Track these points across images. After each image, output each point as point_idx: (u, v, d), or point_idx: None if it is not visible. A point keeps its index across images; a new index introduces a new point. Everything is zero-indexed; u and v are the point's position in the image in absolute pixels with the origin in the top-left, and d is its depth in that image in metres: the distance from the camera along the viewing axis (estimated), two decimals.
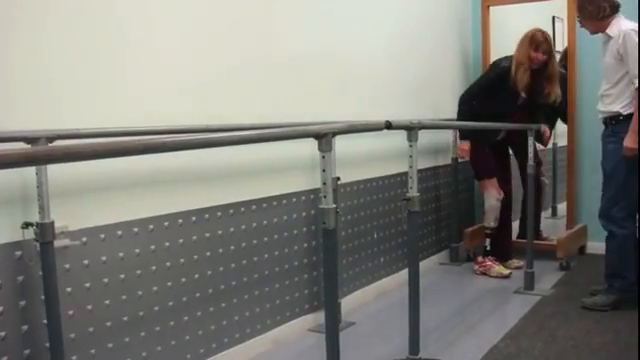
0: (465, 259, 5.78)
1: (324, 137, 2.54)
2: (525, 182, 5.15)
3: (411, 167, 3.20)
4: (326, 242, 2.60)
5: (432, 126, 3.51)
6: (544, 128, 5.40)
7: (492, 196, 5.37)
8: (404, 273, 4.79)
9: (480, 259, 5.44)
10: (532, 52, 5.02)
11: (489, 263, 5.39)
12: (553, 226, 6.94)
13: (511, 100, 5.19)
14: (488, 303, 4.69)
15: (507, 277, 5.26)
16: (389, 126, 3.00)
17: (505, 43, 5.29)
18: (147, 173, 3.13)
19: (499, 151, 5.53)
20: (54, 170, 2.59)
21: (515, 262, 5.50)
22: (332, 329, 2.70)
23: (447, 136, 5.77)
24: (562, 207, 7.25)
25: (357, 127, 2.97)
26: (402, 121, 3.16)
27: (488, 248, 5.46)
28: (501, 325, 4.15)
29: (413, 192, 3.22)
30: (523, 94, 5.13)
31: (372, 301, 4.73)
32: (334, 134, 2.62)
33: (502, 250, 5.52)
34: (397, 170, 4.96)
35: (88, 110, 2.86)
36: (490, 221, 5.41)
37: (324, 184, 2.54)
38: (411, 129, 3.19)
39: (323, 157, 2.55)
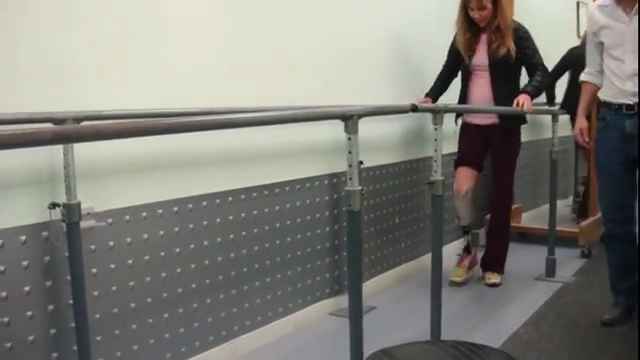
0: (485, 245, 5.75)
1: (350, 119, 2.54)
2: (496, 180, 4.84)
3: (436, 150, 3.19)
4: (351, 224, 2.61)
5: (457, 109, 3.50)
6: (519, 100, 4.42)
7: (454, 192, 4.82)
8: (425, 258, 4.85)
9: (461, 256, 4.97)
10: (469, 13, 4.48)
11: (470, 259, 4.93)
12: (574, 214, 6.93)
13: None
14: (508, 290, 4.68)
15: (456, 284, 4.74)
16: (414, 109, 3.00)
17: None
18: (171, 155, 3.14)
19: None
20: (81, 152, 2.61)
21: (492, 277, 4.81)
22: (356, 312, 2.70)
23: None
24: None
25: (383, 109, 2.98)
26: (427, 104, 3.15)
27: (465, 244, 5.00)
28: (522, 312, 4.14)
29: (437, 176, 3.22)
30: (467, 59, 4.58)
31: (393, 286, 4.73)
32: (360, 116, 2.62)
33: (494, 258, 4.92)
34: (419, 155, 4.95)
35: (112, 93, 2.87)
36: (462, 220, 4.94)
37: (350, 166, 2.55)
38: (436, 112, 3.18)
39: (349, 139, 2.56)
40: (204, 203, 3.31)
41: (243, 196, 3.52)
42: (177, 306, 3.21)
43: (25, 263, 2.60)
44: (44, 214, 2.64)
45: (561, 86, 6.57)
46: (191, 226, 3.25)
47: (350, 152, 2.55)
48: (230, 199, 3.45)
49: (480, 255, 5.03)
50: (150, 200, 3.07)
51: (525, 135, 6.25)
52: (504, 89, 4.51)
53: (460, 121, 4.79)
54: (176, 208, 3.18)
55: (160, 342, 3.14)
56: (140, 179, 3.03)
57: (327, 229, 4.13)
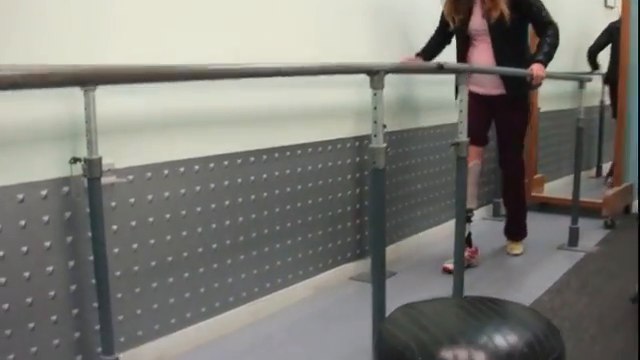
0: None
1: (376, 74, 2.50)
2: (506, 153, 4.54)
3: (461, 111, 3.15)
4: (375, 182, 2.58)
5: (482, 70, 3.44)
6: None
7: None
8: (446, 226, 4.82)
9: None
10: None
11: (468, 252, 4.36)
12: (596, 185, 6.86)
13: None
14: (531, 258, 4.63)
15: (449, 271, 4.06)
16: (440, 68, 2.95)
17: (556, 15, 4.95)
18: (193, 113, 3.11)
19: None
20: (102, 107, 2.57)
21: (514, 247, 4.74)
22: (378, 271, 2.68)
23: None
24: (606, 167, 7.17)
25: (409, 67, 2.93)
26: (453, 64, 3.09)
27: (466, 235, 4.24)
28: (544, 279, 4.10)
29: (463, 137, 3.17)
30: (452, 25, 4.28)
31: (414, 252, 4.69)
32: (386, 72, 2.57)
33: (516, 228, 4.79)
34: (444, 121, 4.88)
35: (128, 50, 2.83)
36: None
37: (375, 122, 2.51)
38: (461, 72, 3.13)
39: (375, 94, 2.52)
40: (225, 163, 3.28)
41: (265, 157, 3.49)
42: (197, 266, 3.19)
43: (46, 218, 2.59)
44: (65, 169, 2.61)
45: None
46: (212, 186, 3.23)
47: (375, 108, 2.51)
48: (252, 159, 3.41)
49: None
50: (171, 158, 3.04)
51: (549, 105, 6.23)
52: (509, 54, 4.20)
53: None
54: (197, 167, 3.15)
55: (180, 301, 3.13)
56: (162, 137, 3.00)
57: (349, 192, 4.09)
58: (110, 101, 2.68)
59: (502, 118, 4.44)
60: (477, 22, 4.24)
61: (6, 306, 2.47)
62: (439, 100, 4.79)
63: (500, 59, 4.19)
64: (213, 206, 3.24)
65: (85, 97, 2.52)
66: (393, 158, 4.48)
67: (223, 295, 3.34)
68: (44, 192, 2.57)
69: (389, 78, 2.66)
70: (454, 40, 4.42)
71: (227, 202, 3.31)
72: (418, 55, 4.33)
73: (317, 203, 3.86)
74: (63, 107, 2.61)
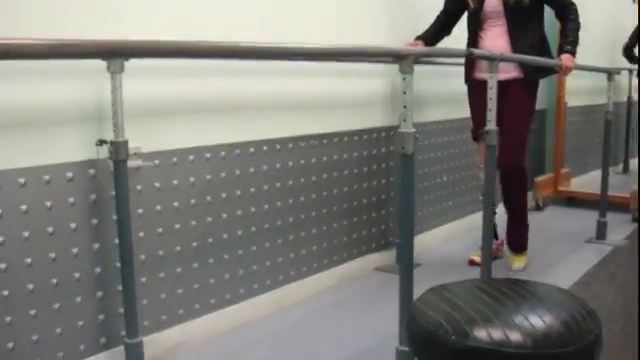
0: (534, 208, 5.65)
1: (406, 59, 2.46)
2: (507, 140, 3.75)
3: (490, 99, 3.10)
4: (403, 168, 2.54)
5: (513, 59, 3.39)
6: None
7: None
8: (471, 218, 4.78)
9: None
10: None
11: (495, 244, 4.17)
12: (624, 182, 6.78)
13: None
14: (559, 250, 4.57)
15: (475, 264, 4.05)
16: (470, 54, 2.91)
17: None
18: (220, 99, 3.10)
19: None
20: (129, 91, 2.56)
21: (515, 260, 4.25)
22: (406, 256, 2.64)
23: None
24: (633, 163, 7.10)
25: (439, 52, 2.89)
26: (484, 51, 3.05)
27: None
28: (572, 272, 4.04)
29: (491, 125, 3.13)
30: (472, 4, 3.92)
31: (439, 244, 4.65)
32: (416, 56, 2.54)
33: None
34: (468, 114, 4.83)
35: (160, 31, 2.81)
36: None
37: (404, 107, 2.47)
38: (492, 60, 3.08)
39: (404, 79, 2.48)
40: (251, 150, 3.26)
41: (291, 145, 3.46)
42: (222, 252, 3.17)
43: (71, 200, 2.58)
44: (91, 151, 2.60)
45: None
46: (238, 172, 3.21)
47: (405, 93, 2.47)
48: (278, 147, 3.39)
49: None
50: (197, 144, 3.02)
51: (576, 100, 6.17)
52: (526, 39, 3.84)
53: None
54: (223, 153, 3.13)
55: (204, 287, 3.11)
56: (188, 121, 2.98)
57: (374, 183, 4.06)
58: (137, 85, 2.66)
59: (510, 103, 3.85)
60: (492, 3, 3.87)
61: (31, 287, 2.46)
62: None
63: (517, 44, 3.82)
64: (238, 193, 3.22)
65: (112, 80, 2.50)
66: (419, 149, 4.43)
67: (247, 282, 3.31)
68: (70, 174, 2.56)
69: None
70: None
71: (252, 189, 3.28)
72: (418, 38, 3.94)
73: (342, 192, 3.83)
74: (90, 89, 2.60)
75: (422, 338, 1.57)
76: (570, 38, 3.90)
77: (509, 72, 3.86)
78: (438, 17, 4.07)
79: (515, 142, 3.91)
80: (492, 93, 3.10)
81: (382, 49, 2.76)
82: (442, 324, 1.53)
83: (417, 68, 2.57)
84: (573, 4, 3.94)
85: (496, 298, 1.64)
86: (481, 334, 1.48)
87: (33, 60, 1.46)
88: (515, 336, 1.46)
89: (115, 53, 1.64)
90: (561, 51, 3.91)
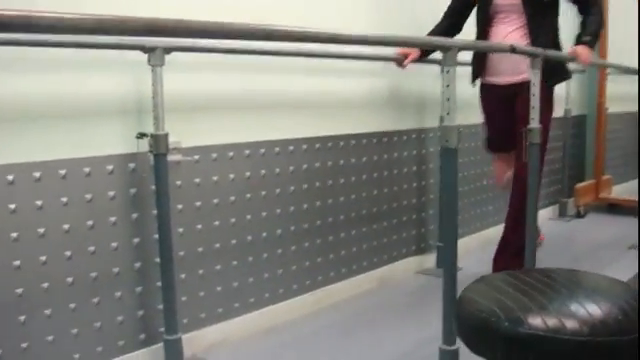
0: (575, 215, 5.56)
1: (449, 51, 2.42)
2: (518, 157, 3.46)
3: (534, 95, 3.04)
4: (446, 162, 2.50)
5: (555, 56, 3.30)
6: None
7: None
8: None
9: None
10: None
11: None
12: None
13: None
14: (601, 258, 4.48)
15: None
16: (513, 50, 2.85)
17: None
18: (260, 97, 3.07)
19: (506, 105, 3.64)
20: (169, 86, 2.55)
21: None
22: (450, 255, 2.58)
23: (558, 86, 5.47)
24: None
25: (481, 46, 2.84)
26: (524, 47, 2.99)
27: None
28: (616, 277, 3.94)
29: (535, 123, 3.07)
30: None
31: (478, 249, 4.57)
32: (459, 49, 2.49)
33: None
34: None
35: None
36: None
37: (447, 100, 2.43)
38: (535, 56, 3.02)
39: (447, 72, 2.43)
40: (291, 148, 3.23)
41: (330, 144, 3.43)
42: (261, 251, 3.14)
43: (111, 193, 2.56)
44: (131, 145, 2.59)
45: None
46: (277, 170, 3.18)
47: (448, 86, 2.42)
48: (317, 146, 3.36)
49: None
50: (237, 140, 3.00)
51: (617, 106, 6.06)
52: (546, 37, 3.45)
53: (479, 81, 3.72)
54: (263, 150, 3.10)
55: (244, 286, 3.08)
56: (228, 117, 2.96)
57: (414, 185, 4.01)
58: (177, 79, 2.65)
59: (523, 110, 3.30)
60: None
61: (70, 279, 2.45)
62: None
63: (536, 41, 3.40)
64: (277, 191, 3.19)
65: (153, 72, 2.51)
66: (460, 152, 4.37)
67: (286, 282, 3.28)
68: (110, 167, 2.55)
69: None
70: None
71: (292, 188, 3.25)
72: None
73: (382, 194, 3.78)
74: (131, 83, 2.60)
75: (472, 326, 1.52)
76: (590, 29, 3.49)
77: (519, 74, 3.49)
78: (445, 15, 3.69)
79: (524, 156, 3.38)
80: (535, 89, 3.03)
81: (426, 40, 2.72)
82: (494, 311, 1.48)
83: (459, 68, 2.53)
84: (598, 1, 3.60)
85: (548, 286, 1.58)
86: (535, 321, 1.42)
87: (79, 35, 1.44)
88: (571, 323, 1.41)
89: (159, 31, 1.62)
90: (578, 42, 3.47)
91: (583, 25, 3.54)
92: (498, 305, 1.50)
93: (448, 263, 2.61)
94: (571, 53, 3.44)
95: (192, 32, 1.75)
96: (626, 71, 5.35)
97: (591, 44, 3.47)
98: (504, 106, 3.60)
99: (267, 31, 2.01)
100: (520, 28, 3.48)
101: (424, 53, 3.53)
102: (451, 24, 3.63)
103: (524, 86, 3.33)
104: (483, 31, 3.55)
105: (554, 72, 3.49)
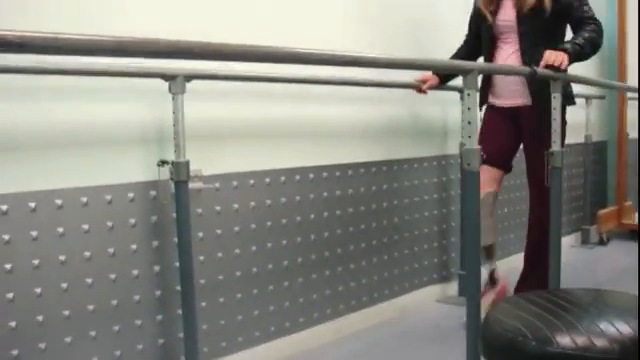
0: (598, 242, 5.50)
1: (469, 73, 2.41)
2: (534, 179, 3.46)
3: (554, 119, 3.02)
4: (468, 186, 2.48)
5: (574, 80, 3.27)
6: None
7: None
8: None
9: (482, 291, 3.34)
10: None
11: (495, 293, 3.58)
12: None
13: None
14: (625, 285, 4.40)
15: None
16: (534, 73, 2.84)
17: None
18: (280, 124, 3.08)
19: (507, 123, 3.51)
20: (189, 114, 2.55)
21: None
22: (474, 282, 2.55)
23: (579, 112, 5.44)
24: None
25: (502, 69, 2.83)
26: (546, 71, 2.98)
27: (488, 273, 3.56)
28: None
29: (556, 146, 3.05)
30: (490, 19, 3.40)
31: (504, 276, 4.53)
32: (479, 72, 2.49)
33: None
34: None
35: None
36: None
37: (469, 123, 2.41)
38: (555, 79, 3.01)
39: (468, 95, 2.42)
40: (311, 176, 3.23)
41: (350, 172, 3.42)
42: (282, 279, 3.12)
43: (132, 221, 2.56)
44: (152, 173, 2.59)
45: None
46: (298, 198, 3.17)
47: (469, 108, 2.41)
48: (337, 174, 3.35)
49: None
50: (257, 168, 3.00)
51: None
52: (537, 55, 3.16)
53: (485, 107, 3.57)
54: (283, 178, 3.10)
55: (264, 314, 3.06)
56: (249, 145, 2.97)
57: (435, 212, 3.98)
58: (198, 107, 2.66)
59: (530, 138, 3.41)
60: (506, 13, 3.38)
61: (91, 307, 2.44)
62: None
63: (529, 61, 3.21)
64: (298, 219, 3.18)
65: (174, 100, 2.52)
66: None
67: (307, 311, 3.25)
68: (131, 195, 2.55)
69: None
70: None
71: (312, 216, 3.24)
72: (435, 74, 3.49)
73: (403, 221, 3.76)
74: (151, 111, 2.61)
75: (499, 346, 1.49)
76: (577, 40, 3.22)
77: (516, 98, 3.41)
78: (465, 42, 3.64)
79: (534, 184, 3.47)
80: (555, 113, 3.02)
81: (448, 64, 2.72)
82: (520, 330, 1.45)
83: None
84: (597, 20, 3.32)
85: (576, 305, 1.56)
86: (564, 340, 1.40)
87: (97, 57, 1.45)
88: (601, 342, 1.38)
89: (183, 52, 1.63)
90: (556, 49, 3.15)
91: (572, 37, 3.31)
92: (525, 324, 1.47)
93: (471, 291, 2.58)
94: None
95: (216, 54, 1.76)
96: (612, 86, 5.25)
97: (570, 52, 3.12)
98: (501, 125, 3.47)
99: (297, 54, 2.02)
100: (519, 50, 3.34)
101: (442, 80, 3.49)
102: (470, 52, 3.55)
103: (522, 113, 3.35)
104: (488, 54, 3.44)
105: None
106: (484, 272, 3.40)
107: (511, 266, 4.25)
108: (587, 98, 5.33)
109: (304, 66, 2.59)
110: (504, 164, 3.46)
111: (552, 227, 3.13)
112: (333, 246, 3.35)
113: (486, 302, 3.25)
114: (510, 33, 3.36)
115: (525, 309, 1.57)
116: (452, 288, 4.07)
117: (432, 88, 3.51)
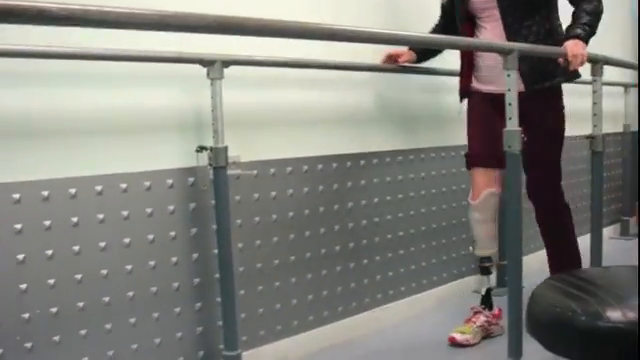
0: (637, 234, 5.41)
1: (510, 54, 2.39)
2: (534, 163, 3.08)
3: (595, 103, 2.98)
4: (510, 168, 2.44)
5: (617, 63, 3.23)
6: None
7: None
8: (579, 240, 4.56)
9: (475, 308, 3.30)
10: None
11: (487, 316, 3.27)
12: None
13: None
14: None
15: (456, 343, 3.13)
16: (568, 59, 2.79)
17: None
18: (317, 112, 3.07)
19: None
20: (227, 101, 2.55)
21: None
22: (516, 272, 2.52)
23: (617, 101, 5.36)
24: None
25: (542, 50, 2.79)
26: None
27: (483, 293, 3.32)
28: None
29: (598, 130, 3.00)
30: None
31: (539, 268, 4.47)
32: (520, 52, 2.45)
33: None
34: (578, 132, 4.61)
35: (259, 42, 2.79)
36: (479, 246, 3.27)
37: (509, 104, 2.39)
38: (595, 62, 2.96)
39: (509, 75, 2.39)
40: (348, 163, 3.21)
41: (388, 159, 3.40)
42: (320, 268, 3.11)
43: (171, 208, 2.56)
44: (191, 159, 2.59)
45: None
46: (335, 186, 3.15)
47: (509, 90, 2.38)
48: (375, 161, 3.33)
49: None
50: (295, 155, 2.99)
51: None
52: (530, 36, 2.97)
53: (465, 101, 3.24)
54: (320, 166, 3.08)
55: (303, 303, 3.05)
56: (286, 132, 2.96)
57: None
58: (236, 94, 2.65)
59: (527, 118, 2.73)
60: None
61: (131, 294, 2.44)
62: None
63: (513, 39, 2.92)
64: (336, 207, 3.16)
65: (212, 86, 2.52)
66: None
67: (346, 300, 3.24)
68: (170, 181, 2.55)
69: None
70: None
71: (350, 204, 3.22)
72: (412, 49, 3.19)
73: (440, 210, 3.73)
74: (190, 97, 2.61)
75: (547, 322, 1.47)
76: (582, 20, 2.95)
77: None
78: (439, 25, 3.31)
79: (544, 164, 3.14)
80: (596, 96, 2.97)
81: (487, 44, 2.69)
82: (569, 305, 1.42)
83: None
84: None
85: (622, 280, 1.53)
86: (615, 314, 1.37)
87: (140, 30, 1.44)
88: None
89: (223, 28, 1.62)
90: (567, 36, 2.93)
91: (574, 17, 3.01)
92: (573, 299, 1.44)
93: (513, 278, 2.55)
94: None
95: (269, 31, 1.76)
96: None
97: (584, 37, 2.91)
98: (487, 116, 3.08)
99: (351, 32, 2.02)
100: (501, 25, 3.02)
101: (419, 57, 3.21)
102: (443, 31, 3.21)
103: (521, 98, 2.62)
104: (470, 34, 3.11)
105: (551, 72, 3.01)
106: (480, 285, 3.34)
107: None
108: (625, 87, 5.25)
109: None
110: (499, 162, 2.82)
111: (593, 213, 3.09)
112: (370, 235, 3.34)
113: (475, 324, 3.18)
114: (490, 10, 3.03)
115: (572, 285, 1.54)
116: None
117: (409, 64, 3.21)
